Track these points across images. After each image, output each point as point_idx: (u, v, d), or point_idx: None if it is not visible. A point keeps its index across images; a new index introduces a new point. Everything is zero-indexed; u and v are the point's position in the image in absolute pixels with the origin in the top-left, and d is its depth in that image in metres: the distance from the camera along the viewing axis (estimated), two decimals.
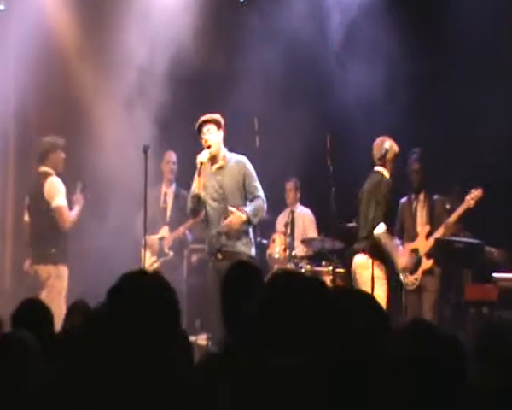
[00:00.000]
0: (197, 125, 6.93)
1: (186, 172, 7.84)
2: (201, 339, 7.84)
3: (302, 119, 8.29)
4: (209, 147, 6.86)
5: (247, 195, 6.91)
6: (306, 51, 8.59)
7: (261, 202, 6.90)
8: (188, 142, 7.63)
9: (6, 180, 9.25)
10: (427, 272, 7.33)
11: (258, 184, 6.92)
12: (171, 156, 8.55)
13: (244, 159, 6.96)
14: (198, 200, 6.88)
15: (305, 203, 9.14)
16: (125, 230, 8.38)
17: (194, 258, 8.65)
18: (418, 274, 7.33)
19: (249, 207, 6.84)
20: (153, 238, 8.31)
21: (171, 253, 8.38)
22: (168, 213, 8.52)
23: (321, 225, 8.72)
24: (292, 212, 9.05)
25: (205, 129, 6.89)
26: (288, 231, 8.56)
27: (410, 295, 7.37)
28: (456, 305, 7.46)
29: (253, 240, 6.97)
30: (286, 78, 8.63)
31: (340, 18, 8.60)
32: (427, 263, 7.32)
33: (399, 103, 7.89)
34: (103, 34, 8.73)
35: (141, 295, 2.36)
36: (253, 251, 6.91)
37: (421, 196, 7.53)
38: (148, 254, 8.18)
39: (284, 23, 8.57)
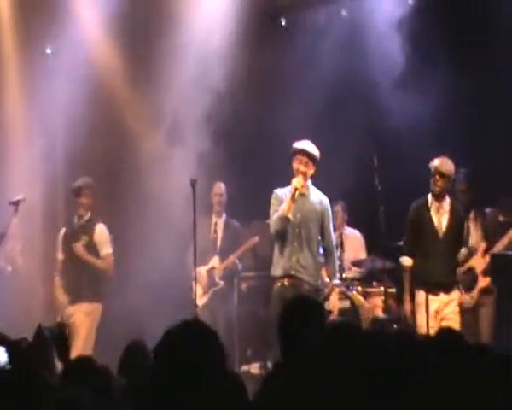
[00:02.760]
0: (298, 148, 6.92)
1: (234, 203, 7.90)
2: (254, 368, 7.78)
3: (347, 140, 8.27)
4: (304, 174, 6.88)
5: (323, 239, 7.00)
6: (348, 75, 8.55)
7: (335, 260, 7.16)
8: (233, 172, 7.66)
9: (56, 221, 9.28)
10: (485, 291, 7.27)
11: (333, 236, 7.14)
12: (220, 188, 8.55)
13: (327, 200, 7.07)
14: (287, 223, 6.83)
15: (352, 225, 9.03)
16: (177, 265, 8.43)
17: (244, 286, 8.62)
18: (475, 293, 7.26)
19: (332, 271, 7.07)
20: (202, 270, 8.29)
21: (222, 283, 8.35)
22: (219, 243, 8.52)
23: (369, 246, 8.64)
24: (341, 234, 8.92)
25: (304, 158, 6.89)
26: (338, 253, 8.46)
27: (466, 315, 7.22)
28: None
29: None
30: (330, 101, 8.60)
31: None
32: (484, 281, 7.29)
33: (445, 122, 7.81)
34: (149, 64, 8.83)
35: (183, 349, 2.41)
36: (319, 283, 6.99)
37: (472, 215, 7.46)
38: (200, 285, 8.21)
39: (327, 48, 8.58)
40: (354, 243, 8.89)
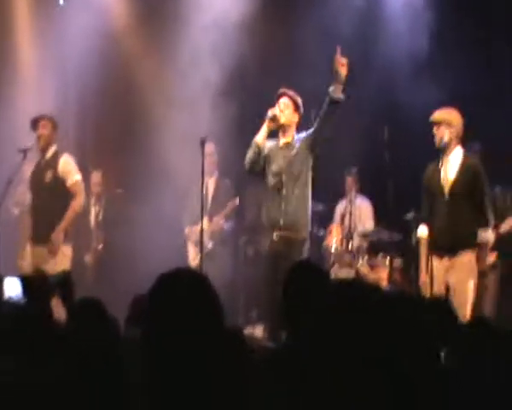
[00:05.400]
0: (277, 95, 6.76)
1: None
2: (259, 330, 7.85)
3: (361, 112, 8.30)
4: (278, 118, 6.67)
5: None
6: (364, 50, 8.56)
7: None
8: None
9: None
10: (491, 267, 7.22)
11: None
12: (210, 148, 8.36)
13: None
14: (259, 151, 6.66)
15: (363, 193, 8.97)
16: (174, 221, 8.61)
17: (251, 250, 8.68)
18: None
19: None
20: (194, 229, 8.39)
21: (210, 244, 8.40)
22: (209, 203, 8.52)
23: (377, 218, 8.65)
24: (350, 202, 8.80)
25: (282, 101, 6.71)
26: (346, 222, 8.50)
27: None
28: None
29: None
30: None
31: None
32: (491, 256, 7.20)
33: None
34: (166, 32, 8.84)
35: (177, 296, 2.40)
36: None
37: None
38: (192, 246, 8.49)
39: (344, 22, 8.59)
40: (362, 211, 8.83)
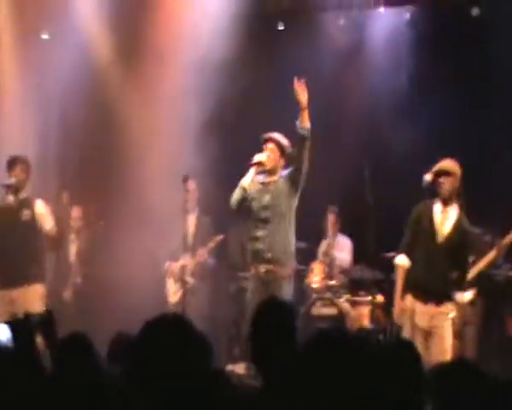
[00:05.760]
0: (264, 139, 6.91)
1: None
2: (240, 368, 7.84)
3: (341, 150, 8.40)
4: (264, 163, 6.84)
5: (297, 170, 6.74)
6: (345, 86, 8.69)
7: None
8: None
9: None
10: (470, 304, 7.27)
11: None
12: (191, 185, 8.28)
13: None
14: (246, 193, 6.83)
15: (344, 232, 9.10)
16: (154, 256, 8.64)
17: (233, 286, 8.70)
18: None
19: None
20: (174, 266, 8.43)
21: (192, 280, 8.38)
22: (190, 240, 8.50)
23: (359, 255, 8.70)
24: (331, 240, 9.00)
25: (268, 146, 6.88)
26: (327, 260, 8.58)
27: None
28: (498, 338, 7.43)
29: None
30: (326, 111, 8.72)
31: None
32: (469, 294, 7.26)
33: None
34: (148, 69, 8.90)
35: (162, 342, 2.44)
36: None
37: None
38: (171, 281, 8.47)
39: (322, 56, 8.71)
40: (344, 250, 8.95)
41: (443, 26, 8.62)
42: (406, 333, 6.23)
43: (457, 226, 6.33)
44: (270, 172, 6.89)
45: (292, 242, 6.83)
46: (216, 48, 8.49)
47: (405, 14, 9.04)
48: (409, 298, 6.33)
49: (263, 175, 6.93)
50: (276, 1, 9.56)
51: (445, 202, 6.34)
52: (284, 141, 6.90)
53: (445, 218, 6.34)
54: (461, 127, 8.36)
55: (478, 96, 8.41)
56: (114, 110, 9.43)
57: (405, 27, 8.94)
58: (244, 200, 6.84)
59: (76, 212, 9.30)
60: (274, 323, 3.58)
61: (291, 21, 9.48)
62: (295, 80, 6.62)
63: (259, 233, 6.74)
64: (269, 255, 6.68)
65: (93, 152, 9.51)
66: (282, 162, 6.92)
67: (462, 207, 6.42)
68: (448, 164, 6.32)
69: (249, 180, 6.85)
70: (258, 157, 6.84)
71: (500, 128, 8.38)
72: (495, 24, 8.20)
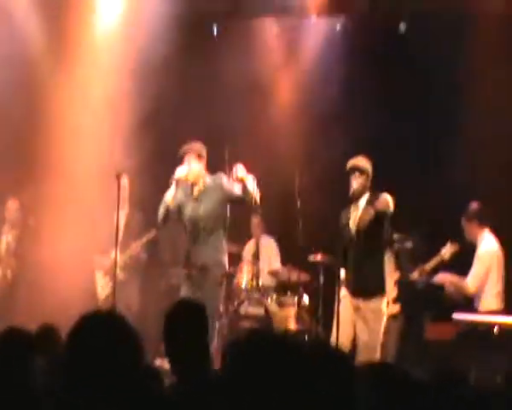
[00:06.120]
0: (182, 154, 7.01)
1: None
2: (167, 363, 7.93)
3: (273, 155, 8.63)
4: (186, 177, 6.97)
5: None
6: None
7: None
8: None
9: None
10: (393, 317, 7.56)
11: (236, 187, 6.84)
12: (123, 182, 8.29)
13: (219, 178, 7.00)
14: (169, 209, 6.94)
15: (272, 234, 9.34)
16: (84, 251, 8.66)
17: (163, 283, 8.82)
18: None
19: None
20: (104, 259, 8.48)
21: (122, 275, 8.41)
22: (120, 235, 8.57)
23: (287, 257, 8.89)
24: (257, 243, 9.26)
25: (186, 159, 6.99)
26: (254, 261, 8.79)
27: None
28: (417, 343, 7.71)
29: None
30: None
31: None
32: (394, 308, 7.58)
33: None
34: (78, 61, 8.92)
35: (96, 337, 2.49)
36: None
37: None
38: (100, 275, 8.50)
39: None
40: (269, 251, 9.20)
41: (372, 39, 8.87)
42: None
43: (363, 213, 6.52)
44: (194, 183, 7.01)
45: (223, 247, 7.00)
46: (151, 49, 8.57)
47: (336, 24, 9.29)
48: (343, 291, 6.63)
49: (188, 187, 7.04)
50: (210, 3, 9.65)
51: (357, 197, 6.58)
52: (201, 147, 7.04)
53: (356, 212, 6.59)
54: (389, 137, 8.64)
55: (405, 108, 8.72)
56: (43, 108, 9.29)
57: (337, 37, 9.20)
58: (169, 214, 6.96)
59: (12, 204, 9.23)
60: (187, 323, 3.76)
61: (226, 24, 9.61)
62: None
63: (188, 241, 6.96)
64: (200, 262, 6.86)
65: (22, 149, 9.36)
66: (202, 167, 7.01)
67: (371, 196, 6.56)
68: (361, 162, 6.58)
69: (172, 196, 6.92)
70: (178, 174, 6.91)
71: (423, 137, 8.72)
72: (421, 39, 8.52)
